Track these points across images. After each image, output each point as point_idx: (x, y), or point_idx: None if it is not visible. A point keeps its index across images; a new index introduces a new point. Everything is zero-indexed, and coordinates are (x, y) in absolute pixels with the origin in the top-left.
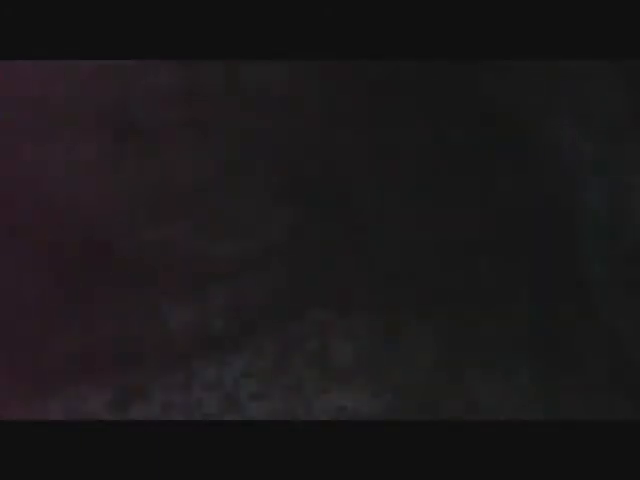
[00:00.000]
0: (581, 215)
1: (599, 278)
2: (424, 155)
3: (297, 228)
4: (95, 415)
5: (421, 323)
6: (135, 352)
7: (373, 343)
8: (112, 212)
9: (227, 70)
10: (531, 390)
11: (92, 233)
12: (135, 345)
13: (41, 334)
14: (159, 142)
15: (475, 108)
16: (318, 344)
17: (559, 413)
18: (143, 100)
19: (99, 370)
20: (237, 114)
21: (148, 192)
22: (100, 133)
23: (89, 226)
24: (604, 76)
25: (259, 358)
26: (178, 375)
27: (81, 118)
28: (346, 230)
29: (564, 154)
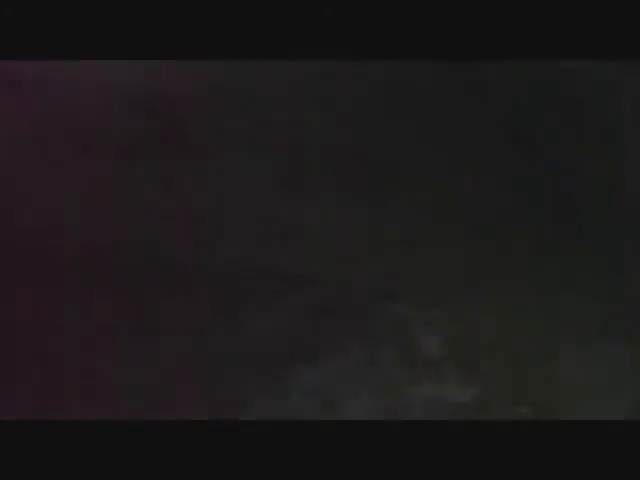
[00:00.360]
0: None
1: None
2: (426, 156)
3: (362, 227)
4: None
5: (501, 309)
6: (227, 363)
7: (456, 334)
8: (176, 229)
9: (228, 70)
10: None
11: (157, 250)
12: (225, 357)
13: (136, 355)
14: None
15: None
16: (404, 339)
17: None
18: (144, 100)
19: (196, 383)
20: (237, 114)
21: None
22: (104, 135)
23: (152, 241)
24: None
25: (348, 359)
26: (272, 382)
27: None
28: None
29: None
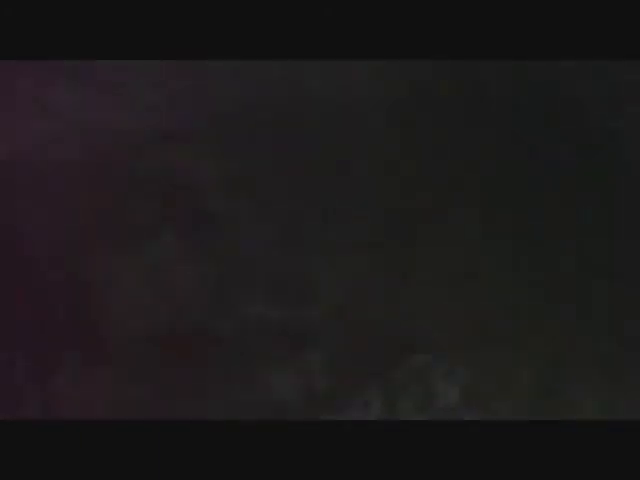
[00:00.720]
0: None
1: None
2: (426, 156)
3: (379, 273)
4: None
5: (517, 353)
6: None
7: (475, 381)
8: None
9: (228, 70)
10: None
11: (189, 317)
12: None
13: None
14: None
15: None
16: (423, 389)
17: None
18: (144, 100)
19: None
20: (237, 114)
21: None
22: (104, 135)
23: (184, 310)
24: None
25: (370, 409)
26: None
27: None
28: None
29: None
